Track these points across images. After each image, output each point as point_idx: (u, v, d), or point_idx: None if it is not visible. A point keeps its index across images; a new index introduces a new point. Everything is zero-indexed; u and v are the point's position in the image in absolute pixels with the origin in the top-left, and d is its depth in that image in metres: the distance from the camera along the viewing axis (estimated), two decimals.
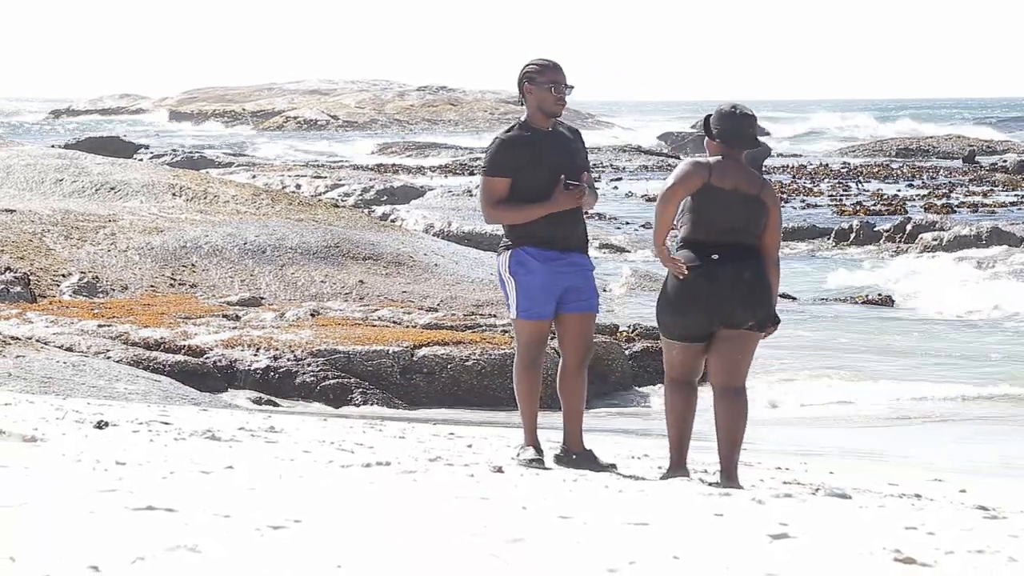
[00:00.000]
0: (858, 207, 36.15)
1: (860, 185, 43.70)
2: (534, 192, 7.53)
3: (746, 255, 7.21)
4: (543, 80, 7.60)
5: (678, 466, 7.38)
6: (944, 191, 40.64)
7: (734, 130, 7.27)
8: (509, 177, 7.55)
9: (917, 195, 39.56)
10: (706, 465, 7.97)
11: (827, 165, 53.45)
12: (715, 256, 7.18)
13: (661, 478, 7.35)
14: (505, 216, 7.57)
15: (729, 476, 7.24)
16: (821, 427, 13.19)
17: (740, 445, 7.29)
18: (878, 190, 41.52)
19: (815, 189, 42.16)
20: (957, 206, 35.75)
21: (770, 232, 7.27)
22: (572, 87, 7.69)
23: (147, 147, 55.29)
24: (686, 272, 7.17)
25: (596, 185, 7.81)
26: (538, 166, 7.54)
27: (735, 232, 7.20)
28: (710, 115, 7.40)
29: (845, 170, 50.68)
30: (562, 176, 7.49)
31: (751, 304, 7.18)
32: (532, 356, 7.61)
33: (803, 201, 38.37)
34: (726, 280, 7.15)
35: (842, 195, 40.22)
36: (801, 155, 61.67)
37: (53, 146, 37.52)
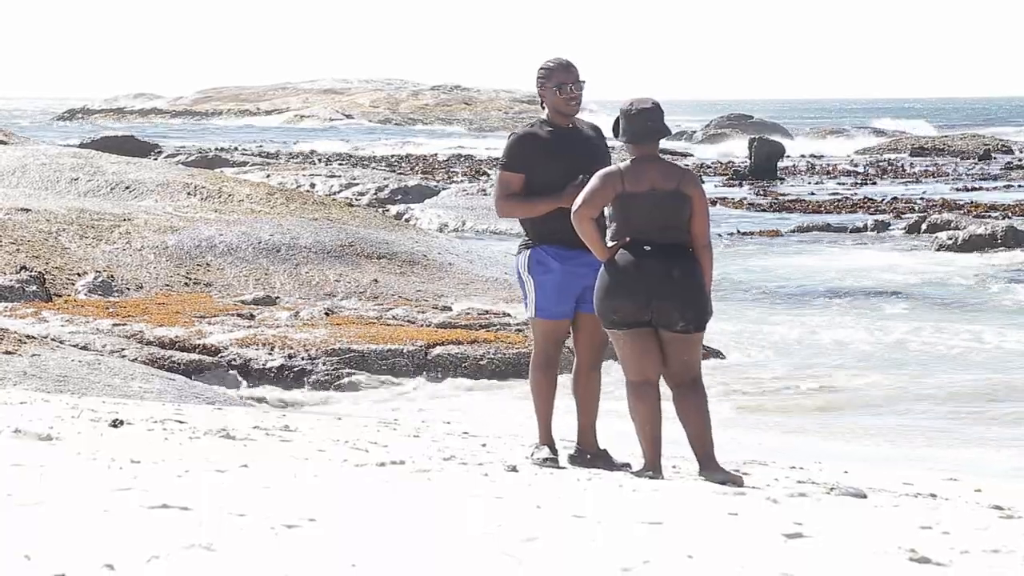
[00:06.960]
0: (871, 205, 36.10)
1: (874, 183, 43.65)
2: (549, 188, 7.54)
3: (675, 252, 7.19)
4: (551, 84, 7.65)
5: (653, 465, 7.25)
6: (961, 188, 40.59)
7: (635, 128, 7.28)
8: (523, 172, 7.58)
9: (934, 194, 39.49)
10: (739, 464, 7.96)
11: (846, 165, 53.37)
12: (647, 248, 7.18)
13: (635, 473, 7.29)
14: (515, 209, 7.60)
15: (708, 468, 7.18)
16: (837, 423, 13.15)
17: (708, 434, 7.21)
18: (898, 196, 41.44)
19: (831, 187, 42.14)
20: (973, 205, 35.67)
21: (697, 219, 7.25)
22: (584, 82, 7.69)
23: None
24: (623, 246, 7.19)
25: None
26: (553, 163, 7.56)
27: (661, 230, 7.18)
28: (618, 117, 7.39)
29: (860, 169, 50.63)
30: (581, 176, 7.49)
31: (679, 305, 7.13)
32: (548, 355, 7.61)
33: (820, 199, 38.32)
34: (655, 272, 7.12)
35: (857, 193, 40.17)
36: (821, 155, 61.56)
37: (68, 145, 37.60)
